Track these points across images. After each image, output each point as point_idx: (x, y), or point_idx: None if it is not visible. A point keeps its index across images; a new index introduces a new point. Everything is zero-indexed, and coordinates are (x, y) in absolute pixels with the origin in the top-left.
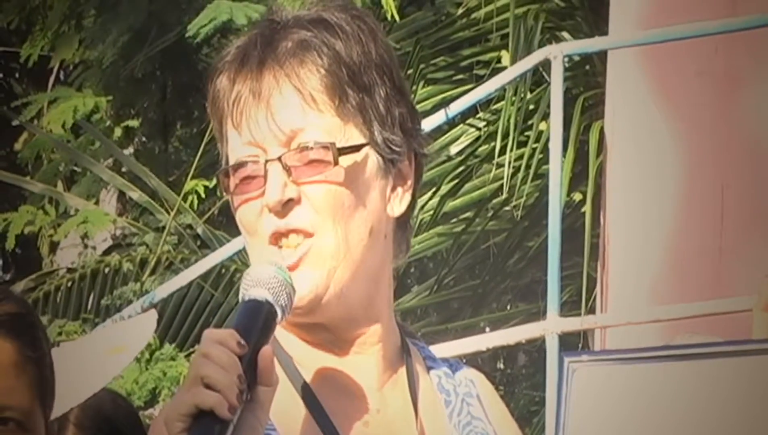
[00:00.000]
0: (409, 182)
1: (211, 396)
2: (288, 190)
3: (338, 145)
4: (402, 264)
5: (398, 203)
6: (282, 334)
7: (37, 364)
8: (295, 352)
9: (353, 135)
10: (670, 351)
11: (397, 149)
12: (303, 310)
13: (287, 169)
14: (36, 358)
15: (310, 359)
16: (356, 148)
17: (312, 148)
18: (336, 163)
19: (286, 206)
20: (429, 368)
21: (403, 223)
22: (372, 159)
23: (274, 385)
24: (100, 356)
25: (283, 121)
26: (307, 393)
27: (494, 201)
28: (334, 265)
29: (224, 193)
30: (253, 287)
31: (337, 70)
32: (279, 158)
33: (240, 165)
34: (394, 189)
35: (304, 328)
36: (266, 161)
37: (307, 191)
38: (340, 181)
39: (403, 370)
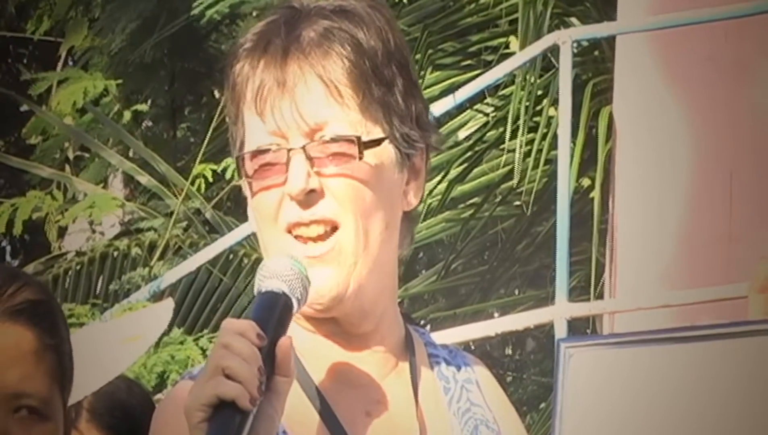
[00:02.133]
0: (422, 177)
1: (234, 387)
2: (311, 181)
3: (362, 139)
4: (406, 253)
5: (412, 197)
6: None
7: (56, 351)
8: (298, 341)
9: (374, 129)
10: (666, 334)
11: (415, 144)
12: (323, 307)
13: (311, 160)
14: (55, 346)
15: (313, 349)
16: (377, 142)
17: (336, 141)
18: (360, 157)
19: (308, 196)
20: (429, 355)
21: (411, 215)
22: (390, 154)
23: (291, 376)
24: (117, 344)
25: (308, 112)
26: (309, 383)
27: (502, 186)
28: (354, 262)
29: (241, 177)
30: (269, 279)
31: (362, 63)
32: (303, 148)
33: (261, 152)
34: (408, 183)
35: (310, 319)
36: (289, 150)
37: (329, 183)
38: (362, 176)
39: (405, 361)
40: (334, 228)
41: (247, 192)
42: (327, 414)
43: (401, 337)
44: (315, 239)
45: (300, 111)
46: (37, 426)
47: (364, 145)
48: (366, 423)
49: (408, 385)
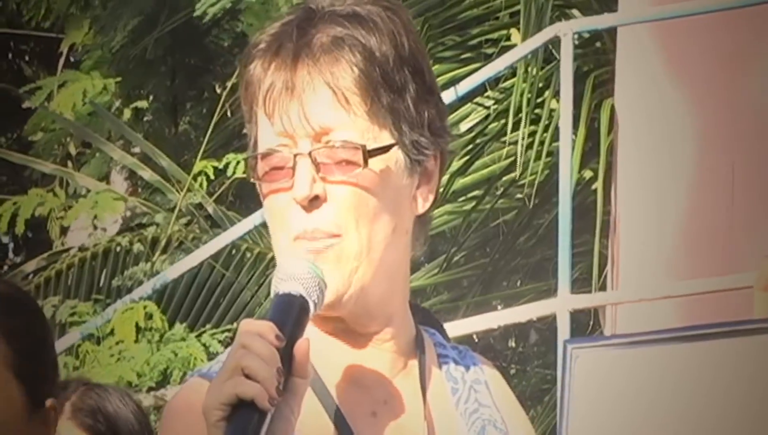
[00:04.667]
0: (434, 180)
1: (253, 386)
2: (316, 187)
3: (368, 147)
4: (419, 254)
5: (422, 201)
6: None
7: (7, 340)
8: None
9: (382, 135)
10: (671, 334)
11: (425, 151)
12: (324, 307)
13: (316, 165)
14: (4, 331)
15: (322, 348)
16: (385, 150)
17: (342, 147)
18: (365, 165)
19: (312, 202)
20: (439, 356)
21: (424, 218)
22: (399, 159)
23: (308, 377)
24: None
25: (315, 118)
26: (316, 381)
27: (504, 179)
28: (356, 265)
29: (253, 178)
30: (286, 281)
31: (371, 70)
32: (309, 153)
33: (270, 153)
34: (419, 187)
35: (317, 318)
36: (296, 155)
37: (333, 190)
38: (367, 183)
39: (415, 362)
40: (334, 236)
41: (259, 192)
42: (333, 412)
43: (411, 337)
44: (317, 241)
45: (307, 115)
46: None
47: (371, 153)
48: (373, 423)
49: (416, 385)
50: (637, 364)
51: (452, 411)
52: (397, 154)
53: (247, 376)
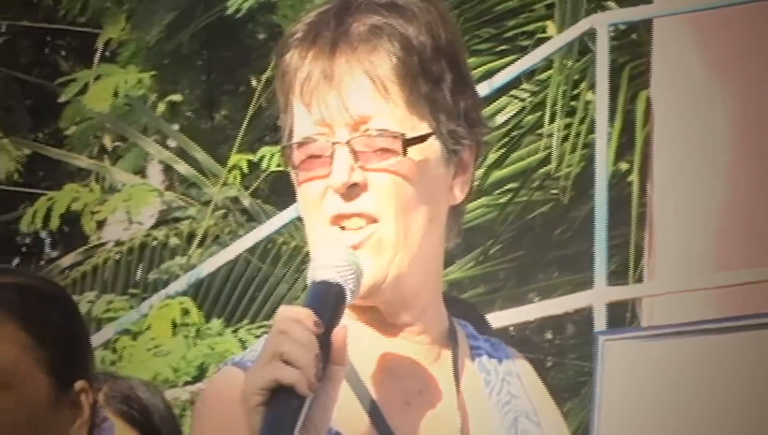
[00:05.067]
0: (470, 171)
1: (293, 372)
2: (354, 175)
3: (406, 136)
4: (452, 246)
5: (458, 192)
6: None
7: (25, 326)
8: None
9: (420, 125)
10: (703, 326)
11: (462, 141)
12: (360, 295)
13: (354, 153)
14: (21, 318)
15: (355, 337)
16: (422, 139)
17: (380, 136)
18: (404, 153)
19: (351, 190)
20: (471, 347)
21: (458, 209)
22: (436, 149)
23: (346, 364)
24: None
25: (353, 106)
26: (350, 371)
27: (540, 171)
28: (394, 254)
29: (288, 168)
30: (323, 269)
31: (409, 59)
32: (347, 142)
33: (307, 142)
34: (455, 177)
35: (352, 307)
36: (334, 143)
37: (372, 178)
38: (405, 172)
39: (448, 353)
40: (375, 221)
41: (294, 181)
42: (367, 402)
43: (444, 328)
44: (356, 230)
45: (345, 104)
46: None
47: (409, 142)
48: (407, 412)
49: (450, 376)
50: (670, 356)
51: (485, 402)
52: (434, 143)
53: (287, 362)
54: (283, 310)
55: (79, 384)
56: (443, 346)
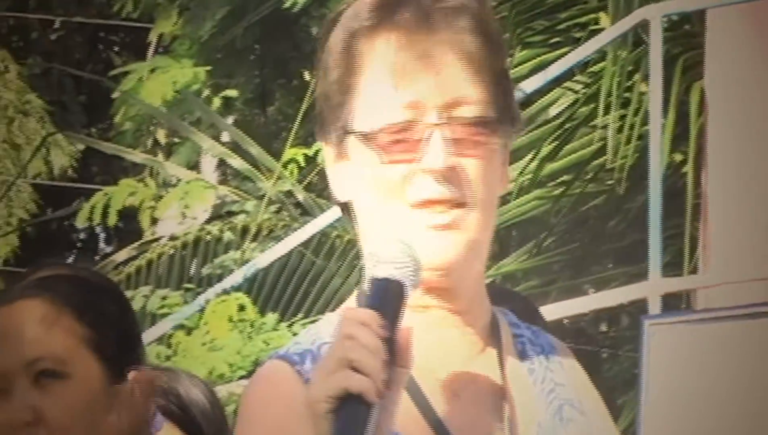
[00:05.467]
0: (507, 162)
1: (362, 380)
2: (449, 158)
3: (497, 121)
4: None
5: (506, 180)
6: None
7: (79, 317)
8: None
9: (500, 109)
10: (748, 310)
11: (518, 129)
12: (444, 272)
13: (448, 138)
14: (76, 309)
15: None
16: (503, 124)
17: (473, 121)
18: (493, 138)
19: (444, 173)
20: (514, 336)
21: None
22: (508, 134)
23: (411, 367)
24: None
25: (448, 88)
26: None
27: (593, 163)
28: (475, 238)
29: (371, 147)
30: (382, 264)
31: (494, 40)
32: (441, 125)
33: (398, 124)
34: (504, 164)
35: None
36: (428, 126)
37: (464, 163)
38: (490, 157)
39: (492, 343)
40: (462, 206)
41: (367, 163)
42: (416, 393)
43: (489, 318)
44: (441, 213)
45: (441, 85)
46: (53, 386)
47: (498, 127)
48: (456, 404)
49: (495, 365)
50: (714, 339)
51: (531, 390)
52: (505, 129)
53: (355, 369)
54: (348, 313)
55: (132, 375)
56: (488, 336)
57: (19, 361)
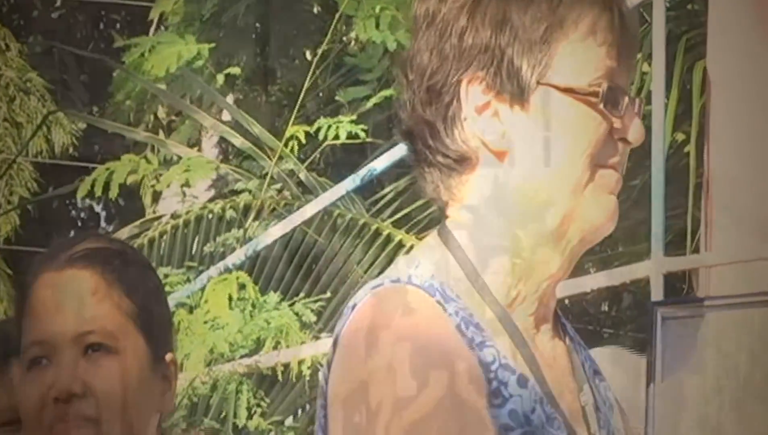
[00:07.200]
0: None
1: None
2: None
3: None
4: None
5: None
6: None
7: (127, 292)
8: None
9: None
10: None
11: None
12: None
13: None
14: (124, 284)
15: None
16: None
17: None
18: None
19: (628, 144)
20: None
21: None
22: None
23: None
24: None
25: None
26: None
27: None
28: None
29: (598, 101)
30: None
31: None
32: (635, 99)
33: (613, 86)
34: None
35: None
36: (631, 97)
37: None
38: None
39: (556, 327)
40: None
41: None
42: (528, 356)
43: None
44: (616, 174)
45: (635, 52)
46: (102, 359)
47: None
48: (549, 373)
49: (562, 346)
50: (725, 326)
51: (583, 373)
52: None
53: None
54: None
55: (169, 356)
56: (554, 321)
57: (69, 331)
